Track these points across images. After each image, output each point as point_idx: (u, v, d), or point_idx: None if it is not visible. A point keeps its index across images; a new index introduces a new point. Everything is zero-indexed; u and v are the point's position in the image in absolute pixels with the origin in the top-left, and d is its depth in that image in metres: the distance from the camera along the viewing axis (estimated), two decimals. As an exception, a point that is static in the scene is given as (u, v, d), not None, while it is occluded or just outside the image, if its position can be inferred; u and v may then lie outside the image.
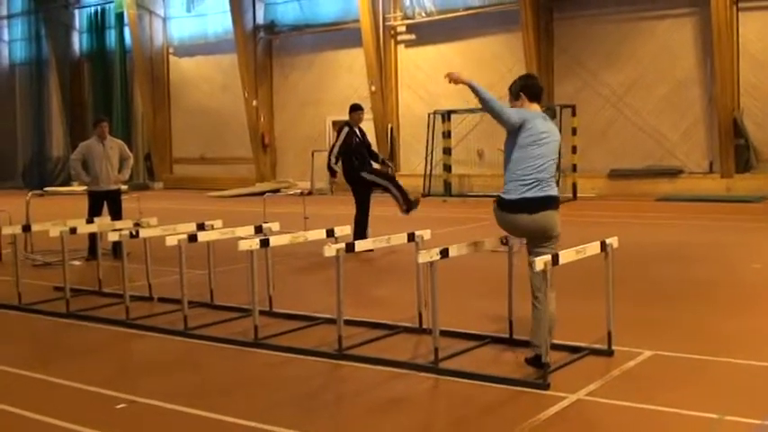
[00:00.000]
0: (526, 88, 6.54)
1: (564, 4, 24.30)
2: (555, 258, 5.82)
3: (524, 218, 6.29)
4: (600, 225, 16.09)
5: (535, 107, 6.50)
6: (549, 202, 6.35)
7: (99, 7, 35.00)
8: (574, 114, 22.77)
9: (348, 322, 7.27)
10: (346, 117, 13.04)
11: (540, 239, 6.39)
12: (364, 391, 6.05)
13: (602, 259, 6.49)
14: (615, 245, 6.53)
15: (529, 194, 6.26)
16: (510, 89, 6.63)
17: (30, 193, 14.36)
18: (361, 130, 13.08)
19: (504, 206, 6.36)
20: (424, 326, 7.30)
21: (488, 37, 25.36)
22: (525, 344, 6.77)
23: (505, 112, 6.29)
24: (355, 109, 13.14)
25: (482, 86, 6.21)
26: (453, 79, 6.44)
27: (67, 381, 6.27)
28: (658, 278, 10.22)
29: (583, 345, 6.71)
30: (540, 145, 6.30)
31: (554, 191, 6.41)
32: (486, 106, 6.26)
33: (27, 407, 5.63)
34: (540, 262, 5.76)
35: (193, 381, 6.45)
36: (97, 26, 35.20)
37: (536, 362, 6.10)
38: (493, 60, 25.15)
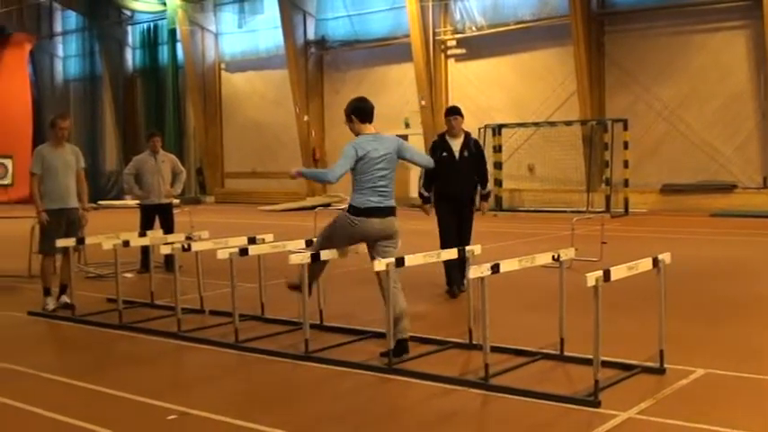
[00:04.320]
0: (357, 110, 7.34)
1: (615, 18, 24.15)
2: (399, 260, 6.70)
3: (375, 222, 7.08)
4: (652, 241, 15.91)
5: (367, 127, 7.31)
6: (391, 211, 7.20)
7: (152, 23, 35.57)
8: (626, 128, 22.61)
9: (397, 337, 7.27)
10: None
11: (385, 240, 7.19)
12: (413, 406, 6.03)
13: (655, 275, 6.43)
14: (668, 261, 6.46)
15: (376, 204, 7.10)
16: (344, 111, 7.43)
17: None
18: (466, 141, 10.17)
19: (358, 212, 7.09)
20: (474, 341, 7.27)
21: (539, 51, 25.25)
22: (577, 360, 6.72)
23: (341, 168, 7.22)
24: (446, 114, 10.46)
25: (310, 170, 7.41)
26: (291, 176, 7.66)
27: (119, 391, 6.33)
28: (712, 295, 10.07)
29: (634, 362, 6.62)
30: (378, 166, 7.17)
31: (391, 202, 7.24)
32: (325, 179, 7.40)
33: (79, 416, 5.70)
34: (382, 263, 6.67)
35: (244, 393, 6.48)
36: (150, 42, 35.78)
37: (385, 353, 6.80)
38: (544, 74, 25.07)
